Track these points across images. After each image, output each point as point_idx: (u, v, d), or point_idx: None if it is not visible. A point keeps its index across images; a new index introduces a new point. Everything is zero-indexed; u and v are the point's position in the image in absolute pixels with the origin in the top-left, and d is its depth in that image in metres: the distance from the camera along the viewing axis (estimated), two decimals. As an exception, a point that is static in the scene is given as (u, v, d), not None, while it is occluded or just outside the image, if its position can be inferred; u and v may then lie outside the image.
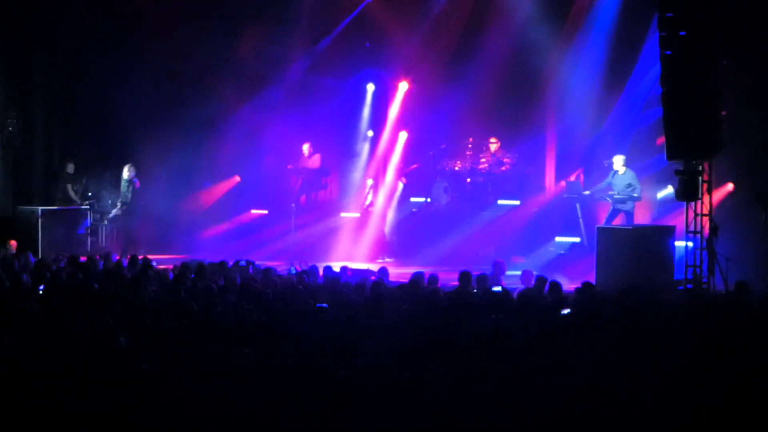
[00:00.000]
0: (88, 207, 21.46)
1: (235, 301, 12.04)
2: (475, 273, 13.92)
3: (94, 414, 7.80)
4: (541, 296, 12.89)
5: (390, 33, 22.84)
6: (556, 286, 13.08)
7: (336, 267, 15.86)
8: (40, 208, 20.71)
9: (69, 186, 21.78)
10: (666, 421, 7.84)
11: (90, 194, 21.82)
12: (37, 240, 20.15)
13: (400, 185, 22.79)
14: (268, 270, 14.70)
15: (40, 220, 20.33)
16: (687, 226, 17.03)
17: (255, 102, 23.24)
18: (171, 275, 14.51)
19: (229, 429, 7.69)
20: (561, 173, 21.64)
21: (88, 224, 21.33)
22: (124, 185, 21.16)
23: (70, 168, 21.91)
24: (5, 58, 21.91)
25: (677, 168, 16.66)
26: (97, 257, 16.69)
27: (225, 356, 8.72)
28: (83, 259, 16.13)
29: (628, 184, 18.95)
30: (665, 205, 19.57)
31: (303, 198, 22.86)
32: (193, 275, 14.18)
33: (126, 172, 21.12)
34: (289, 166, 23.10)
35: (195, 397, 7.93)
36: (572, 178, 20.94)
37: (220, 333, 10.03)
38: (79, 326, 9.85)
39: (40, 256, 18.43)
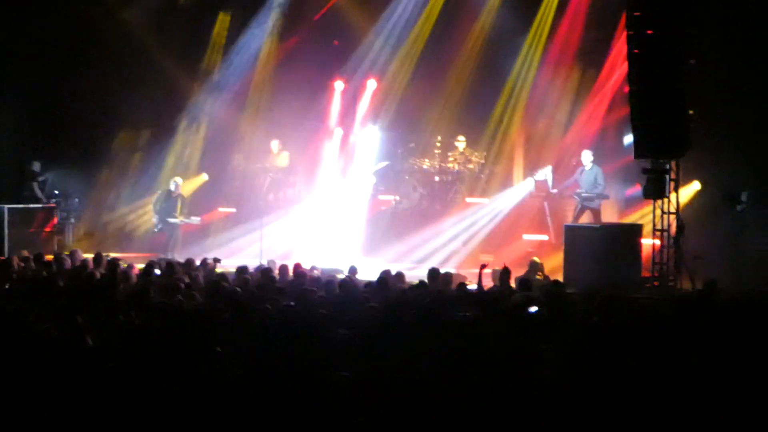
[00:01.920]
0: (54, 205, 21.32)
1: (204, 299, 11.99)
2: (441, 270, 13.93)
3: (62, 414, 7.75)
4: (510, 292, 12.91)
5: (358, 31, 22.82)
6: (526, 282, 13.09)
7: (305, 265, 15.83)
8: (7, 206, 20.52)
9: (35, 184, 21.60)
10: (634, 418, 7.87)
11: (56, 192, 21.66)
12: (3, 238, 20.01)
13: (369, 183, 22.74)
14: (238, 269, 14.66)
15: (6, 219, 20.17)
16: (654, 224, 17.13)
17: (222, 99, 23.16)
18: (137, 273, 14.42)
19: (200, 428, 7.66)
20: (529, 171, 21.68)
21: (55, 222, 21.19)
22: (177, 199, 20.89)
23: (36, 166, 21.76)
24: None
25: (645, 166, 16.76)
26: (64, 255, 16.55)
27: (195, 354, 8.68)
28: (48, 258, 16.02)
29: (594, 179, 19.05)
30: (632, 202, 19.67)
31: (271, 196, 22.77)
32: (159, 273, 14.09)
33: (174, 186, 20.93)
34: (257, 165, 23.02)
35: (166, 396, 7.89)
36: (540, 176, 20.98)
37: (190, 331, 9.98)
38: (45, 325, 9.76)
39: (6, 255, 18.28)
